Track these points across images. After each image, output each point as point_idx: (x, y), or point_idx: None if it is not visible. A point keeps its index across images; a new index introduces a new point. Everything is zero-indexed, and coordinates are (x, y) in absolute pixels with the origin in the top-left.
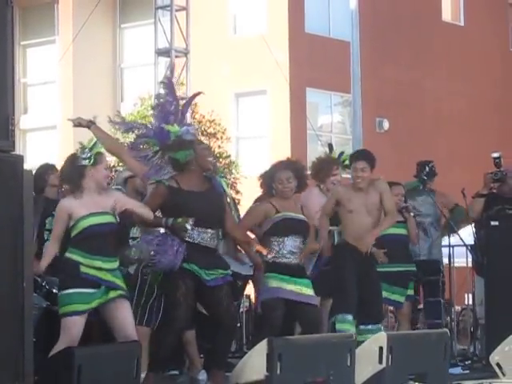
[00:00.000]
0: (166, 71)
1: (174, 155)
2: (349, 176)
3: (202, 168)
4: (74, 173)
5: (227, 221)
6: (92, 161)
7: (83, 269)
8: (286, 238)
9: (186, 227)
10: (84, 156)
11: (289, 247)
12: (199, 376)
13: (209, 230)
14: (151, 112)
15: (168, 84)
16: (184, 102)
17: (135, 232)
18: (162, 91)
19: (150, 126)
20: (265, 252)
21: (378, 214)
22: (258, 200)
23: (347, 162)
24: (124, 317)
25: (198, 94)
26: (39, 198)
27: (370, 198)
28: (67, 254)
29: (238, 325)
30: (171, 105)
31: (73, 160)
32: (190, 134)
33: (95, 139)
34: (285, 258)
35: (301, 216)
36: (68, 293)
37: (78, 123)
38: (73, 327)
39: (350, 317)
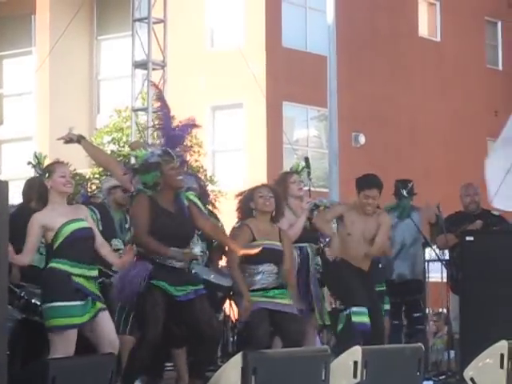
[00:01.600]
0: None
1: (141, 178)
2: (306, 188)
3: (173, 188)
4: (41, 191)
5: (201, 222)
6: (46, 174)
7: (75, 278)
8: (260, 266)
9: (195, 255)
10: (40, 173)
11: (263, 274)
12: None
13: (179, 250)
14: (127, 124)
15: (160, 96)
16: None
17: (117, 244)
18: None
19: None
20: (252, 252)
21: (371, 244)
22: (233, 230)
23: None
24: (109, 327)
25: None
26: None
27: (370, 227)
28: (53, 265)
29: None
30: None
31: (36, 181)
32: (154, 156)
33: (37, 154)
34: (259, 284)
35: (277, 244)
36: (57, 306)
37: (69, 139)
38: (67, 341)
39: (363, 308)
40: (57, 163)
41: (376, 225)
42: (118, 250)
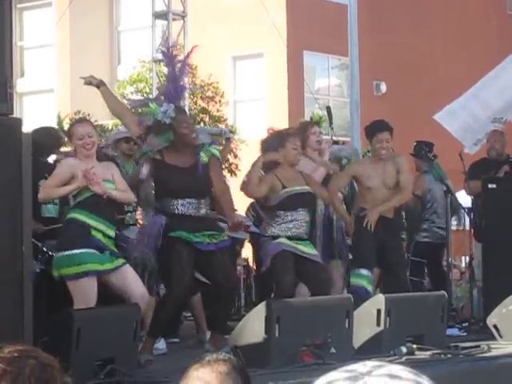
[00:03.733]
0: (163, 37)
1: (154, 138)
2: (327, 137)
3: (187, 145)
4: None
5: (214, 179)
6: (67, 136)
7: (94, 232)
8: (293, 213)
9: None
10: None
11: (296, 221)
12: (206, 338)
13: (192, 200)
14: (151, 75)
15: (165, 53)
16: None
17: (128, 220)
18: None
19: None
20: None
21: (396, 188)
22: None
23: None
24: (137, 280)
25: (192, 51)
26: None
27: (388, 174)
28: (72, 214)
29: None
30: (172, 75)
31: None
32: (167, 117)
33: (62, 118)
34: (290, 232)
35: (305, 188)
36: (74, 253)
37: (89, 81)
38: (87, 289)
39: (365, 271)
40: (76, 124)
41: (395, 169)
42: (130, 225)
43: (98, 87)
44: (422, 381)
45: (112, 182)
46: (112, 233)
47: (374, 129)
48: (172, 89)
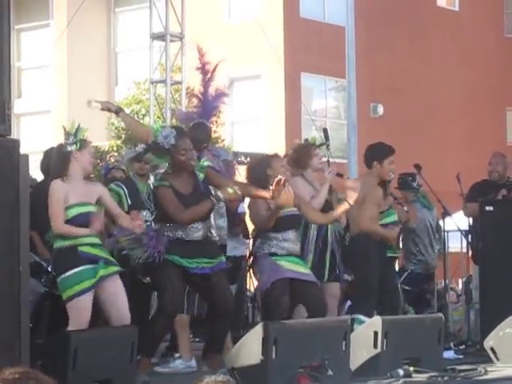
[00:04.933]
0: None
1: (151, 158)
2: (325, 159)
3: (184, 170)
4: (61, 159)
5: (216, 181)
6: (78, 146)
7: (80, 248)
8: (283, 234)
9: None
10: (69, 141)
11: (287, 241)
12: (191, 362)
13: (194, 225)
14: (146, 96)
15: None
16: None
17: (145, 215)
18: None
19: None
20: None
21: None
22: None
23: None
24: (119, 293)
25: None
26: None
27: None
28: (58, 244)
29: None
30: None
31: (59, 148)
32: (168, 143)
33: (77, 124)
34: (287, 250)
35: (295, 210)
36: (71, 274)
37: (107, 108)
38: (80, 309)
39: (366, 318)
40: (88, 140)
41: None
42: (146, 221)
43: (116, 114)
44: None
45: (93, 204)
46: (98, 240)
47: (386, 150)
48: (204, 108)
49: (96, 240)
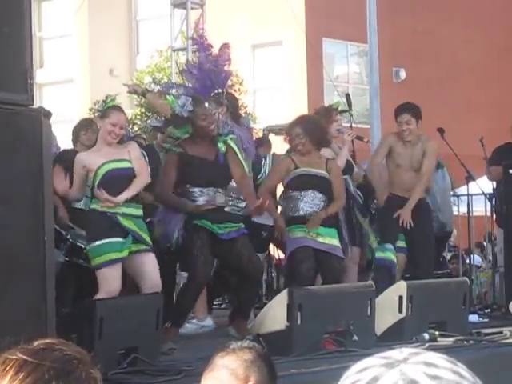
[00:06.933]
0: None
1: (172, 130)
2: (347, 124)
3: (205, 137)
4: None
5: (233, 170)
6: (101, 114)
7: (114, 216)
8: (304, 193)
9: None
10: (97, 108)
11: (308, 202)
12: (205, 322)
13: (216, 190)
14: (168, 64)
15: (198, 40)
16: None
17: None
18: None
19: (188, 85)
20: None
21: (419, 170)
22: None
23: (340, 109)
24: (151, 269)
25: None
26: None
27: (416, 154)
28: (92, 206)
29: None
30: (207, 62)
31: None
32: (186, 110)
33: (112, 97)
34: (302, 210)
35: (322, 172)
36: (98, 244)
37: (134, 90)
38: (109, 277)
39: (389, 245)
40: (115, 109)
41: (421, 152)
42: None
43: (143, 96)
44: (459, 369)
45: (128, 160)
46: (136, 211)
47: (396, 111)
48: (207, 77)
49: (129, 210)
